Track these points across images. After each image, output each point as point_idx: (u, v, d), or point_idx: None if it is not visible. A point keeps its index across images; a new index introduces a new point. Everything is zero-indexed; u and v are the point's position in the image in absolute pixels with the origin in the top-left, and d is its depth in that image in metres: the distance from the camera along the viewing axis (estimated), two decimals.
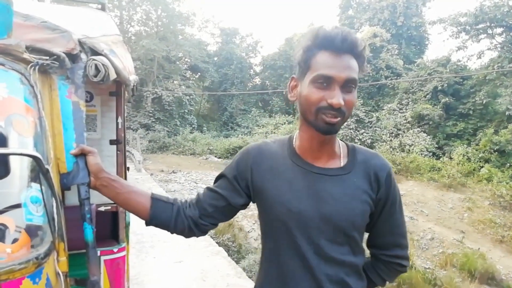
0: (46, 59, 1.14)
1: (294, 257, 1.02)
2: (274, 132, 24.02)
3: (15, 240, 0.88)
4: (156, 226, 1.14)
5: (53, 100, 1.17)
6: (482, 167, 15.14)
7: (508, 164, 14.92)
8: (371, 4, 29.78)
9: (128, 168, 2.29)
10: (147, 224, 1.15)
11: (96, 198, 1.72)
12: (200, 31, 36.60)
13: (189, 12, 29.98)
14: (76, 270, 1.23)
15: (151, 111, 25.91)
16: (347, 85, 0.96)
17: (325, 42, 0.96)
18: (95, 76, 1.26)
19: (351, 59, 0.97)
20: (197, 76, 33.00)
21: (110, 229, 2.03)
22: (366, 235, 1.15)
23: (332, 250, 1.00)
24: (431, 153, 18.18)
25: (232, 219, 8.33)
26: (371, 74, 24.65)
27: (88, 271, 1.13)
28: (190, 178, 13.42)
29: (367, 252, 1.17)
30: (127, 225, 1.97)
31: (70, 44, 1.24)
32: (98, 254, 1.59)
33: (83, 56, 1.27)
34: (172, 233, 1.15)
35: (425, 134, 19.32)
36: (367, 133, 21.03)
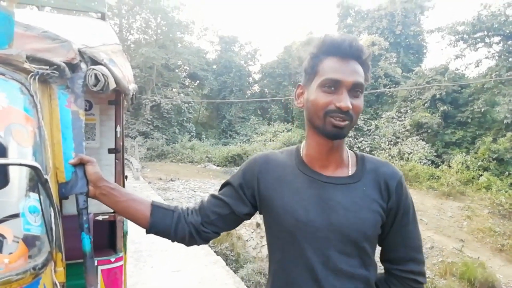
0: (47, 69, 1.14)
1: (302, 269, 0.99)
2: (273, 140, 24.05)
3: (12, 251, 0.87)
4: (156, 234, 1.13)
5: (53, 110, 1.18)
6: (481, 175, 15.16)
7: (507, 173, 14.93)
8: (370, 13, 30.06)
9: (126, 177, 2.28)
10: (147, 232, 1.13)
11: (94, 207, 1.71)
12: (199, 39, 36.87)
13: (188, 20, 30.21)
14: (74, 280, 1.22)
15: (149, 119, 25.93)
16: (354, 89, 0.96)
17: (332, 48, 0.98)
18: (95, 85, 1.26)
19: (357, 65, 0.98)
20: (196, 84, 33.10)
21: (108, 239, 2.02)
22: (379, 248, 1.10)
23: (342, 262, 0.96)
24: (430, 161, 18.21)
25: None
26: (369, 82, 24.78)
27: (85, 281, 1.12)
28: (188, 186, 13.37)
29: (381, 267, 1.12)
30: (124, 234, 1.96)
31: (70, 54, 1.24)
32: (96, 263, 1.58)
33: (83, 65, 1.28)
34: (173, 241, 1.13)
35: (423, 142, 19.36)
36: (366, 141, 21.08)
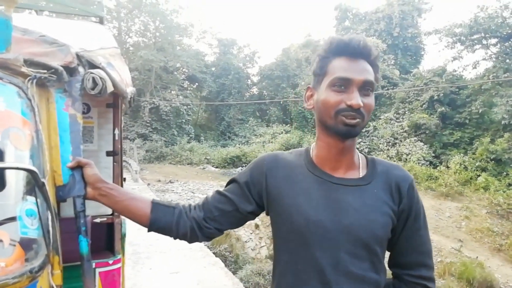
0: (44, 73, 1.15)
1: (311, 271, 0.96)
2: (271, 142, 24.07)
3: (9, 254, 0.88)
4: (158, 231, 1.11)
5: (50, 113, 1.18)
6: (479, 176, 15.19)
7: (505, 173, 14.97)
8: (367, 15, 30.16)
9: (124, 179, 2.29)
10: (149, 229, 1.12)
11: (92, 210, 1.72)
12: (198, 41, 36.98)
13: (187, 23, 30.27)
14: (71, 283, 1.23)
15: (148, 121, 25.94)
16: (364, 87, 0.95)
17: (340, 48, 0.97)
18: (93, 89, 1.27)
19: (367, 64, 0.97)
20: (194, 86, 33.12)
21: (106, 241, 2.02)
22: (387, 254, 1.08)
23: (353, 264, 0.93)
24: (428, 162, 18.24)
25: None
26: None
27: (83, 284, 1.13)
28: (187, 188, 13.37)
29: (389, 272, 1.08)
30: (122, 237, 1.96)
31: (68, 57, 1.25)
32: (93, 266, 1.58)
33: (80, 69, 1.28)
34: (174, 237, 1.12)
35: (422, 143, 19.40)
36: (364, 142, 21.11)
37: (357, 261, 0.94)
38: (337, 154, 1.02)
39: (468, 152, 17.96)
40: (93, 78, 1.26)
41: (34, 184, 0.95)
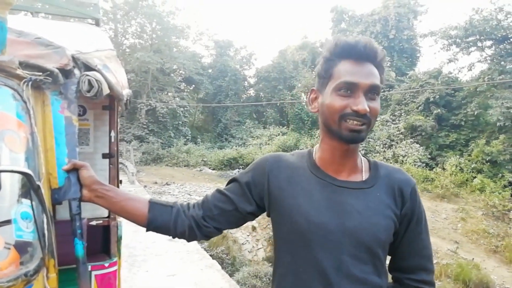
0: (40, 75, 1.15)
1: (313, 273, 0.95)
2: (268, 144, 24.07)
3: (4, 257, 0.87)
4: (156, 230, 1.11)
5: (46, 116, 1.18)
6: (474, 177, 15.25)
7: (500, 175, 15.03)
8: (363, 18, 30.27)
9: (121, 181, 2.28)
10: (147, 229, 1.11)
11: (88, 213, 1.71)
12: (195, 43, 36.94)
13: (184, 25, 30.25)
14: (67, 286, 1.22)
15: (145, 123, 25.88)
16: (371, 91, 0.94)
17: (346, 50, 0.96)
18: (88, 91, 1.27)
19: (373, 67, 0.96)
20: (191, 88, 33.10)
21: (102, 243, 2.01)
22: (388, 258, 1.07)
23: (355, 267, 0.93)
24: (424, 164, 18.29)
25: (226, 231, 8.25)
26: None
27: (78, 287, 1.12)
28: (184, 190, 13.34)
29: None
30: (119, 239, 1.95)
31: (64, 60, 1.25)
32: (89, 269, 1.58)
33: (76, 71, 1.28)
34: (173, 236, 1.11)
35: (418, 145, 19.46)
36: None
37: (360, 264, 0.94)
38: (341, 157, 1.01)
39: (463, 153, 18.04)
40: (89, 80, 1.26)
41: (29, 187, 0.94)
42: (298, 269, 0.98)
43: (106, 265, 1.78)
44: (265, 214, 1.13)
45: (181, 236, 1.11)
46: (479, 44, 19.56)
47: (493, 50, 19.23)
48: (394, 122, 21.98)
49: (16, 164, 0.96)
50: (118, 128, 2.05)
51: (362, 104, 0.91)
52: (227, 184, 1.15)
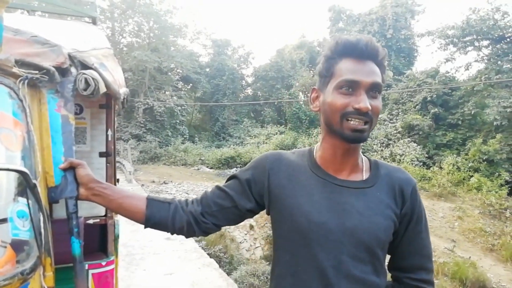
0: (36, 73, 1.14)
1: (313, 272, 0.95)
2: (266, 143, 24.07)
3: (0, 256, 0.87)
4: (154, 226, 1.11)
5: (42, 114, 1.18)
6: (471, 176, 15.32)
7: (497, 174, 15.10)
8: (361, 17, 30.30)
9: (118, 180, 2.28)
10: (145, 225, 1.11)
11: (85, 211, 1.71)
12: (192, 42, 36.81)
13: (181, 24, 30.14)
14: (63, 284, 1.22)
15: (142, 122, 25.82)
16: (372, 89, 0.94)
17: (347, 49, 0.95)
18: (85, 90, 1.26)
19: (374, 65, 0.96)
20: (189, 87, 33.04)
21: (99, 242, 2.01)
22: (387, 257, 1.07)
23: (355, 267, 0.93)
24: (421, 163, 18.35)
25: (223, 230, 8.24)
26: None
27: (75, 285, 1.12)
28: (181, 189, 13.33)
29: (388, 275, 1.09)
30: (116, 238, 1.95)
31: (60, 58, 1.24)
32: (86, 267, 1.57)
33: (73, 70, 1.28)
34: (171, 232, 1.11)
35: (415, 144, 19.52)
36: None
37: (359, 264, 0.94)
38: (342, 155, 1.00)
39: (460, 153, 18.11)
40: (86, 79, 1.26)
41: (25, 186, 0.94)
42: (298, 268, 0.98)
43: (103, 263, 1.78)
44: (263, 212, 1.13)
45: (179, 232, 1.11)
46: (476, 43, 19.63)
47: (490, 50, 19.30)
48: (391, 121, 22.04)
49: (12, 162, 0.96)
50: (115, 126, 2.04)
51: (364, 102, 0.91)
52: (227, 180, 1.15)
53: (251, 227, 9.30)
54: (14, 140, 0.98)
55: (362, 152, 1.09)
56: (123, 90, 1.77)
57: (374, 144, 20.67)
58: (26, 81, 1.09)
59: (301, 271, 0.97)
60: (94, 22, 2.31)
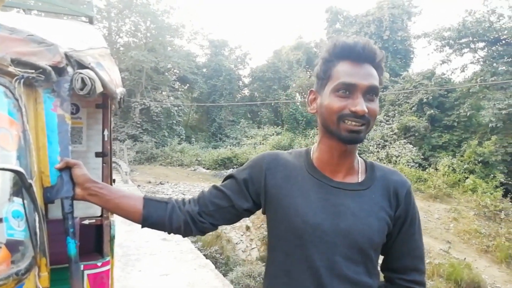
0: (32, 73, 1.14)
1: (306, 273, 0.96)
2: (263, 143, 24.08)
3: None
4: (151, 226, 1.10)
5: (38, 113, 1.17)
6: (467, 178, 15.39)
7: (492, 175, 15.19)
8: (358, 18, 30.40)
9: (114, 180, 2.27)
10: (142, 225, 1.11)
11: (80, 211, 1.70)
12: (189, 42, 36.81)
13: (178, 24, 30.12)
14: (59, 285, 1.21)
15: (139, 122, 25.74)
16: (369, 92, 0.94)
17: (344, 51, 0.96)
18: (82, 89, 1.26)
19: (371, 68, 0.96)
20: (185, 87, 33.00)
21: (94, 243, 2.00)
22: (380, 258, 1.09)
23: (347, 268, 0.94)
24: (417, 164, 18.43)
25: (220, 231, 8.23)
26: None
27: (70, 286, 1.11)
28: (178, 190, 13.30)
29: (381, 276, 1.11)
30: (112, 238, 1.94)
31: (57, 57, 1.24)
32: (82, 268, 1.57)
33: (69, 69, 1.27)
34: (168, 232, 1.11)
35: (411, 146, 19.60)
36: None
37: (352, 265, 0.95)
38: (338, 157, 1.01)
39: (456, 154, 18.20)
40: (82, 78, 1.25)
41: (21, 185, 0.93)
42: (292, 268, 0.99)
43: (99, 264, 1.77)
44: (259, 213, 1.13)
45: (176, 231, 1.11)
46: (472, 45, 19.75)
47: (486, 52, 19.43)
48: (387, 122, 22.12)
49: (8, 162, 0.95)
50: (112, 126, 2.04)
51: (360, 105, 0.92)
52: (224, 180, 1.15)
53: (248, 228, 9.29)
54: (9, 140, 0.98)
55: (358, 154, 1.09)
56: (119, 90, 1.77)
57: (370, 145, 20.73)
58: (22, 80, 1.09)
59: (295, 270, 0.98)
60: (90, 21, 2.30)
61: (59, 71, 1.23)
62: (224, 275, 5.59)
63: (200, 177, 17.33)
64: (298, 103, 27.68)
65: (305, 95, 27.05)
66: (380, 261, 1.10)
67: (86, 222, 1.79)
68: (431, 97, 20.22)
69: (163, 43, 28.31)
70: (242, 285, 5.78)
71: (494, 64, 18.42)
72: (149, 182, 14.61)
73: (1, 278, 0.84)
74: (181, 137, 27.58)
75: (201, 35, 33.01)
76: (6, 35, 1.20)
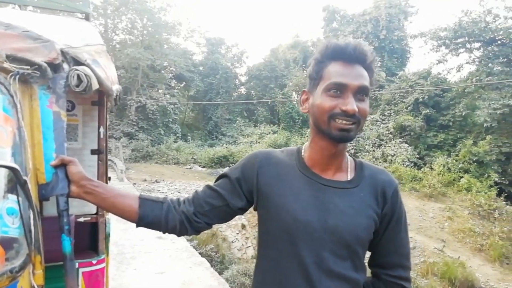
0: (27, 69, 1.13)
1: (296, 268, 0.99)
2: (259, 142, 24.09)
3: None
4: (147, 226, 1.11)
5: (34, 110, 1.16)
6: (461, 177, 15.49)
7: (486, 175, 15.30)
8: (355, 18, 30.44)
9: (109, 178, 2.26)
10: (137, 225, 1.11)
11: (76, 209, 1.69)
12: (186, 40, 36.76)
13: (175, 22, 30.02)
14: (53, 283, 1.21)
15: (134, 120, 25.65)
16: (360, 93, 0.97)
17: (336, 53, 0.98)
18: (77, 86, 1.25)
19: (362, 69, 0.98)
20: (182, 85, 32.91)
21: (90, 240, 1.99)
22: (368, 253, 1.12)
23: (335, 263, 0.98)
24: (412, 163, 18.51)
25: (215, 229, 8.23)
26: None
27: (65, 284, 1.11)
28: (173, 188, 13.27)
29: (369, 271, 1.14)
30: (107, 236, 1.93)
31: (52, 54, 1.23)
32: (76, 266, 1.56)
33: (65, 66, 1.26)
34: (164, 231, 1.12)
35: (406, 145, 19.68)
36: (350, 143, 21.29)
37: (339, 261, 0.98)
38: (329, 157, 1.04)
39: (451, 154, 18.30)
40: (78, 75, 1.25)
41: (15, 182, 0.93)
42: (282, 263, 1.02)
43: (94, 262, 1.77)
44: (255, 212, 1.14)
45: (172, 231, 1.12)
46: (468, 45, 19.84)
47: (481, 52, 19.52)
48: (383, 121, 22.19)
49: (3, 158, 0.95)
50: (107, 124, 2.03)
51: (351, 104, 0.94)
52: (217, 180, 1.17)
53: (243, 226, 9.30)
54: (4, 136, 0.97)
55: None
56: (115, 87, 1.76)
57: (366, 145, 20.79)
58: (17, 77, 1.08)
59: (284, 266, 1.01)
60: (87, 18, 2.29)
61: (55, 67, 1.22)
62: (220, 273, 5.59)
63: (196, 175, 17.31)
64: (295, 102, 27.71)
65: None
66: (367, 257, 1.13)
67: (81, 219, 1.78)
68: (427, 97, 20.31)
69: (159, 41, 28.20)
70: (237, 283, 5.79)
71: (490, 64, 18.52)
72: (145, 180, 14.57)
73: None
74: (177, 135, 27.52)
75: (197, 33, 32.89)
76: (1, 31, 1.19)
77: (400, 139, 20.16)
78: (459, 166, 16.50)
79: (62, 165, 1.13)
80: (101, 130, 1.87)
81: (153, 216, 1.09)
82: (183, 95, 32.56)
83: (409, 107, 21.19)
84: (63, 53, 1.28)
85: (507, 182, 15.04)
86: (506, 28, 17.68)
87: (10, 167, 0.87)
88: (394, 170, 16.22)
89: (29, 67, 1.13)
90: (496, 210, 11.88)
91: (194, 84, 31.04)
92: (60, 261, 1.11)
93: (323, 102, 0.97)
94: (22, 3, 2.32)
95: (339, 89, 0.96)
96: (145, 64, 25.72)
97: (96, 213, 1.85)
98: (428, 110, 20.17)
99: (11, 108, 1.03)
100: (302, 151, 1.12)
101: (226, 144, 25.77)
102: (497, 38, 18.23)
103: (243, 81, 34.94)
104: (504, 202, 12.48)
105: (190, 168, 20.50)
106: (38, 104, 1.17)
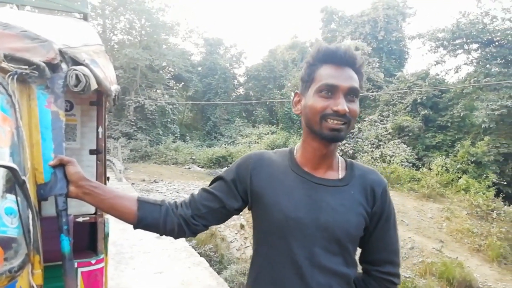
0: (26, 69, 1.12)
1: (288, 264, 1.03)
2: (257, 142, 24.09)
3: None
4: (145, 228, 1.13)
5: (32, 110, 1.16)
6: (460, 177, 15.53)
7: (485, 175, 15.33)
8: (353, 19, 30.52)
9: (108, 178, 2.26)
10: (135, 227, 1.12)
11: (74, 209, 1.69)
12: (184, 41, 36.71)
13: (173, 22, 30.00)
14: (52, 282, 1.21)
15: (133, 120, 25.63)
16: (350, 94, 1.01)
17: (327, 56, 1.03)
18: (76, 86, 1.25)
19: (352, 72, 1.03)
20: (180, 86, 32.88)
21: (88, 240, 1.99)
22: (359, 250, 1.15)
23: (326, 259, 1.01)
24: (411, 164, 18.55)
25: (214, 229, 8.22)
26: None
27: (64, 283, 1.11)
28: (172, 188, 13.25)
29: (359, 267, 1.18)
30: (105, 236, 1.93)
31: (51, 53, 1.23)
32: (75, 266, 1.56)
33: (63, 66, 1.26)
34: (161, 234, 1.13)
35: (405, 145, 19.72)
36: (349, 143, 21.33)
37: (330, 256, 1.02)
38: (320, 157, 1.08)
39: (449, 154, 18.34)
40: (77, 75, 1.25)
41: (14, 182, 0.93)
42: (275, 260, 1.05)
43: (93, 262, 1.77)
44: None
45: (169, 234, 1.14)
46: (466, 47, 19.90)
47: (479, 53, 19.59)
48: (382, 122, 22.24)
49: (1, 158, 0.95)
50: (106, 124, 2.02)
51: (341, 105, 0.98)
52: (212, 182, 1.19)
53: (242, 226, 9.29)
54: (2, 136, 0.97)
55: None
56: (114, 87, 1.76)
57: (364, 145, 20.83)
58: (16, 77, 1.07)
59: (278, 262, 1.05)
60: (85, 18, 2.29)
61: (53, 67, 1.22)
62: (218, 273, 5.58)
63: (195, 176, 17.29)
64: None
65: None
66: (358, 253, 1.17)
67: (80, 219, 1.78)
68: (425, 98, 20.37)
69: (158, 41, 28.17)
70: (236, 283, 5.79)
71: (487, 66, 18.58)
72: (143, 180, 14.54)
73: None
74: (176, 135, 27.50)
75: (196, 34, 32.97)
76: None
77: (399, 140, 20.21)
78: (457, 166, 16.54)
79: (61, 165, 1.13)
80: (100, 130, 1.87)
81: (151, 218, 1.11)
82: (182, 96, 32.54)
83: (407, 108, 21.24)
84: (61, 53, 1.28)
85: (505, 183, 15.10)
86: (503, 29, 17.75)
87: (9, 167, 0.87)
88: (392, 171, 16.25)
89: (27, 67, 1.13)
90: (494, 211, 11.90)
91: (193, 85, 31.02)
92: (59, 261, 1.11)
93: (315, 103, 1.01)
94: (20, 3, 2.32)
95: (330, 91, 1.00)
96: (144, 64, 25.70)
97: (95, 213, 1.85)
98: (426, 111, 20.23)
99: (9, 108, 1.03)
100: (295, 151, 1.15)
101: (225, 144, 25.77)
102: (494, 40, 18.30)
103: (241, 81, 34.94)
104: (502, 203, 12.51)
105: (189, 168, 20.48)
106: (36, 104, 1.16)
